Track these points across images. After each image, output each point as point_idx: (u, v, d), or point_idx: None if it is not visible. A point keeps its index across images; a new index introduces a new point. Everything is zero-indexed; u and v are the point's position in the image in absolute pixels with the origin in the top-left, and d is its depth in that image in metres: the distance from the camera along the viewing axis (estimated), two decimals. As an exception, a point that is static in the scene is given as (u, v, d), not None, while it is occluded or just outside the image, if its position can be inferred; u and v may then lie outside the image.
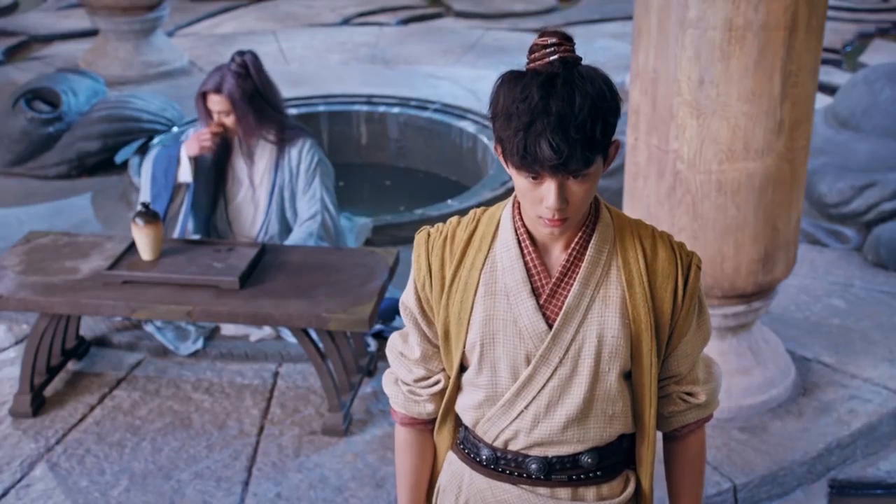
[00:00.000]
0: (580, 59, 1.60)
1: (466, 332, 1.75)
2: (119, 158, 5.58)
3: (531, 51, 1.60)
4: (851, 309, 4.16)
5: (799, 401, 3.56)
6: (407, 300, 1.83)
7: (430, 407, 1.87)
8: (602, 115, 1.56)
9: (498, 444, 1.80)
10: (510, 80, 1.59)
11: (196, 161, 3.94)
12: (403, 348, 1.87)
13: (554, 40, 1.58)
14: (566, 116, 1.53)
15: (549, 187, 1.59)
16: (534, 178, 1.59)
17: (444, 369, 1.85)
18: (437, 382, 1.85)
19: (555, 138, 1.53)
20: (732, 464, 3.25)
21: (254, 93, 3.87)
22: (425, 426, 1.91)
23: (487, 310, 1.73)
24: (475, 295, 1.74)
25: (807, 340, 3.91)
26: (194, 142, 3.88)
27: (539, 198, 1.61)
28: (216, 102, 3.84)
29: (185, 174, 3.92)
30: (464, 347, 1.77)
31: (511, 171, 1.63)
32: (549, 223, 1.63)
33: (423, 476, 1.94)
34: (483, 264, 1.74)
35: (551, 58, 1.57)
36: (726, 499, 3.17)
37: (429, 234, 1.80)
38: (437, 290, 1.77)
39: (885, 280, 4.41)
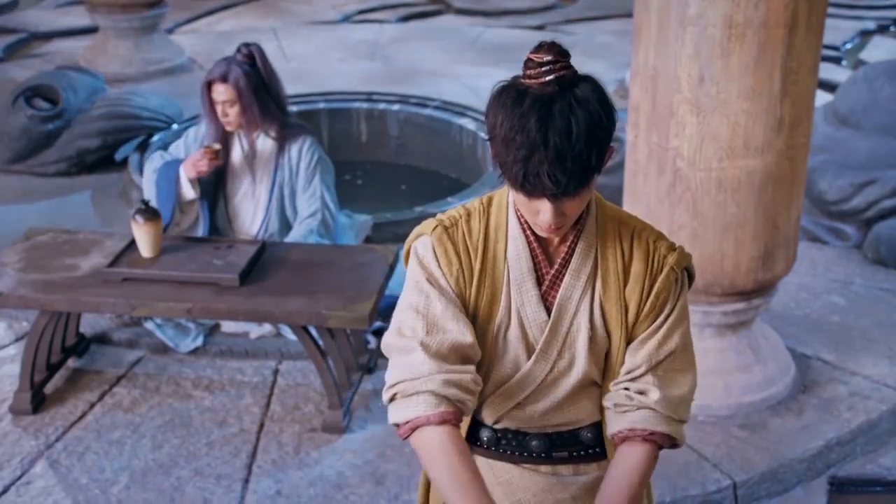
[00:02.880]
0: (576, 74, 1.60)
1: (495, 323, 1.76)
2: (119, 156, 5.58)
3: (526, 65, 1.60)
4: (851, 306, 4.16)
5: (799, 398, 3.56)
6: (440, 291, 1.73)
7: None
8: (598, 143, 1.58)
9: (498, 426, 1.83)
10: (507, 103, 1.58)
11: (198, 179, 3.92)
12: (455, 340, 1.70)
13: (549, 58, 1.58)
14: (563, 149, 1.55)
15: (545, 205, 1.62)
16: (531, 197, 1.62)
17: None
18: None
19: (554, 171, 1.56)
20: (732, 461, 3.25)
21: (259, 84, 3.85)
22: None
23: (506, 299, 1.76)
24: (501, 288, 1.75)
25: (807, 338, 3.91)
26: (190, 165, 3.85)
27: (535, 210, 1.64)
28: (221, 92, 3.80)
29: (189, 192, 3.90)
30: (491, 338, 1.77)
31: (508, 186, 1.66)
32: (546, 231, 1.67)
33: (474, 471, 1.70)
34: (504, 255, 1.76)
35: (547, 77, 1.57)
36: (726, 496, 3.18)
37: (447, 229, 1.76)
38: (467, 280, 1.75)
39: (885, 277, 4.41)
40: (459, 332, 1.71)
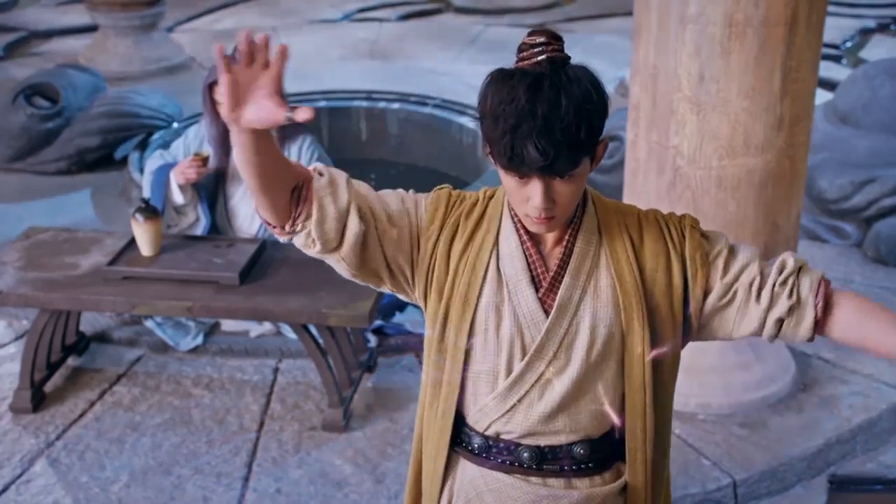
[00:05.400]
0: (568, 58, 1.61)
1: (473, 316, 1.75)
2: (119, 154, 5.59)
3: (520, 49, 1.61)
4: (851, 305, 4.15)
5: (799, 396, 3.56)
6: (406, 203, 1.76)
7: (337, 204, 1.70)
8: (587, 118, 1.57)
9: (490, 433, 1.81)
10: (498, 81, 1.59)
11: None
12: (373, 198, 1.73)
13: (542, 39, 1.59)
14: (552, 119, 1.54)
15: (536, 188, 1.60)
16: (521, 178, 1.61)
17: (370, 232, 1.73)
18: (355, 227, 1.70)
19: (541, 141, 1.54)
20: (732, 459, 3.25)
21: None
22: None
23: (494, 296, 1.74)
24: (484, 279, 1.74)
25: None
26: (179, 172, 3.84)
27: (526, 197, 1.62)
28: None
29: (178, 198, 3.89)
30: (469, 331, 1.76)
31: (499, 171, 1.64)
32: (537, 221, 1.65)
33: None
34: (492, 247, 1.75)
35: (539, 57, 1.58)
36: (726, 494, 3.18)
37: (450, 194, 1.79)
38: (443, 249, 1.75)
39: (885, 276, 4.41)
40: (386, 203, 1.73)
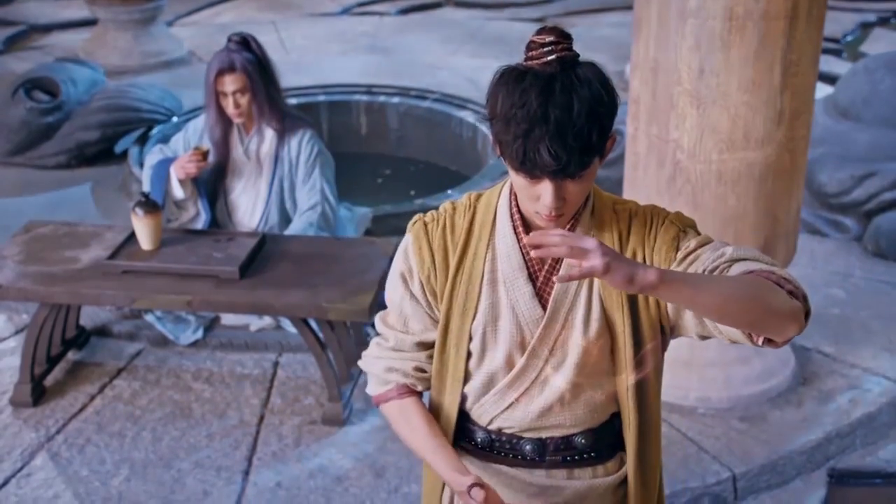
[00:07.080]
0: (578, 56, 1.60)
1: (472, 321, 1.76)
2: (118, 148, 5.58)
3: (528, 48, 1.61)
4: (851, 299, 4.16)
5: (798, 390, 3.56)
6: (411, 290, 1.81)
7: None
8: (599, 120, 1.57)
9: (492, 427, 1.82)
10: (509, 82, 1.59)
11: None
12: (413, 340, 1.83)
13: (552, 38, 1.58)
14: (564, 124, 1.54)
15: (547, 188, 1.61)
16: (531, 178, 1.61)
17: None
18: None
19: (553, 146, 1.54)
20: (732, 453, 3.25)
21: (262, 68, 3.82)
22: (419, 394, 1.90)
23: (490, 297, 1.75)
24: (481, 284, 1.75)
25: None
26: (179, 167, 3.83)
27: (536, 195, 1.63)
28: (231, 82, 3.73)
29: (178, 192, 3.88)
30: (469, 335, 1.77)
31: (509, 170, 1.65)
32: (546, 218, 1.65)
33: (441, 431, 1.83)
34: (486, 253, 1.76)
35: (549, 57, 1.57)
36: (726, 488, 3.18)
37: (426, 224, 1.80)
38: (441, 279, 1.78)
39: (884, 270, 4.41)
40: (420, 333, 1.83)
